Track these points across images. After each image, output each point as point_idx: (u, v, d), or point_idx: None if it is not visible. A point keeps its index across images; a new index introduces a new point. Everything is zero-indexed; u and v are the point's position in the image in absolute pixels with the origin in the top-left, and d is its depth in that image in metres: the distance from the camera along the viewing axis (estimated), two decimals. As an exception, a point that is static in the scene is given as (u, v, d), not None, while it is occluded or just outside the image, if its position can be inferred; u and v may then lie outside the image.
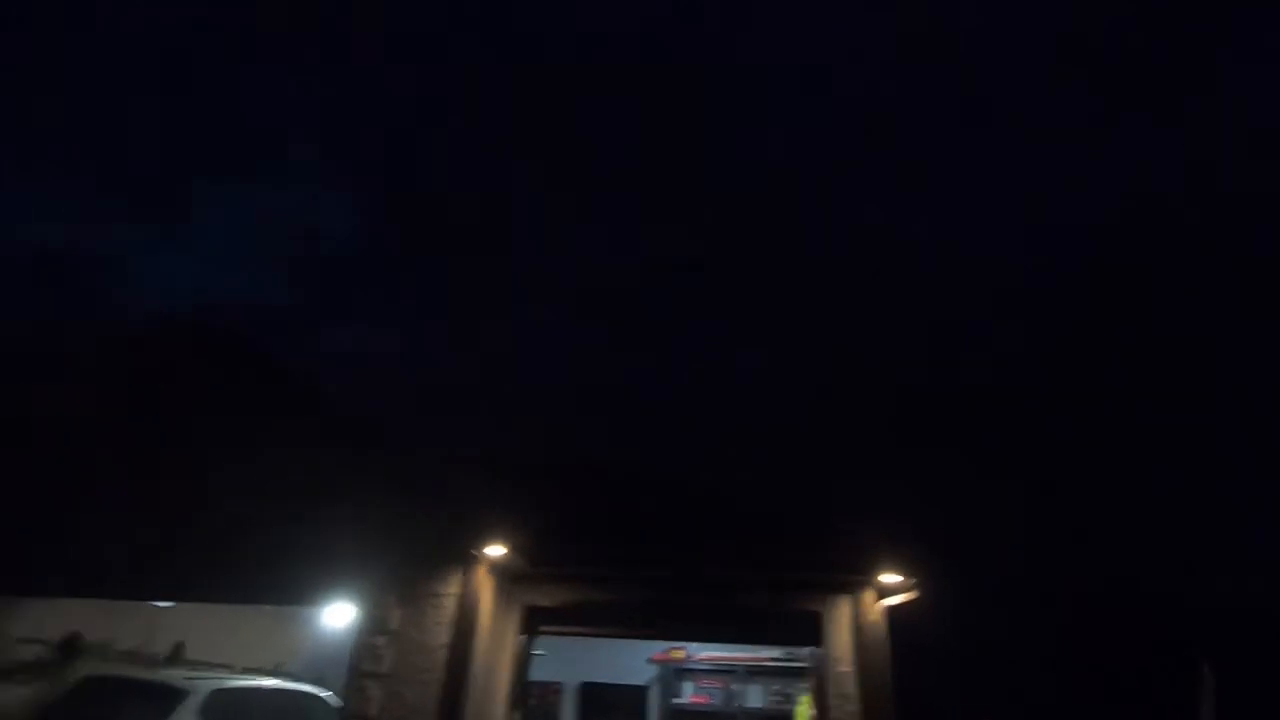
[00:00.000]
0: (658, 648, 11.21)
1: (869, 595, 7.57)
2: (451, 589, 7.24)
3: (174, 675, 7.57)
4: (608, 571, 7.65)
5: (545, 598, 8.03)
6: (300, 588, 7.27)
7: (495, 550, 7.13)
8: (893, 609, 7.59)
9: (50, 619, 8.41)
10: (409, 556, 7.33)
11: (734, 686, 11.06)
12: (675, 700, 11.06)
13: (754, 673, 11.00)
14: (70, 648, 8.35)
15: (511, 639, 7.98)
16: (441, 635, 7.03)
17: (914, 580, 7.31)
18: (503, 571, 7.72)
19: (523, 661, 8.15)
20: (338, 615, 8.43)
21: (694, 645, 11.16)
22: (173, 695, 7.06)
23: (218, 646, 9.25)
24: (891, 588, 7.42)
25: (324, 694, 8.91)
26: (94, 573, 7.54)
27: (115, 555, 7.45)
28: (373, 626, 7.10)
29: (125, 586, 7.71)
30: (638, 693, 11.20)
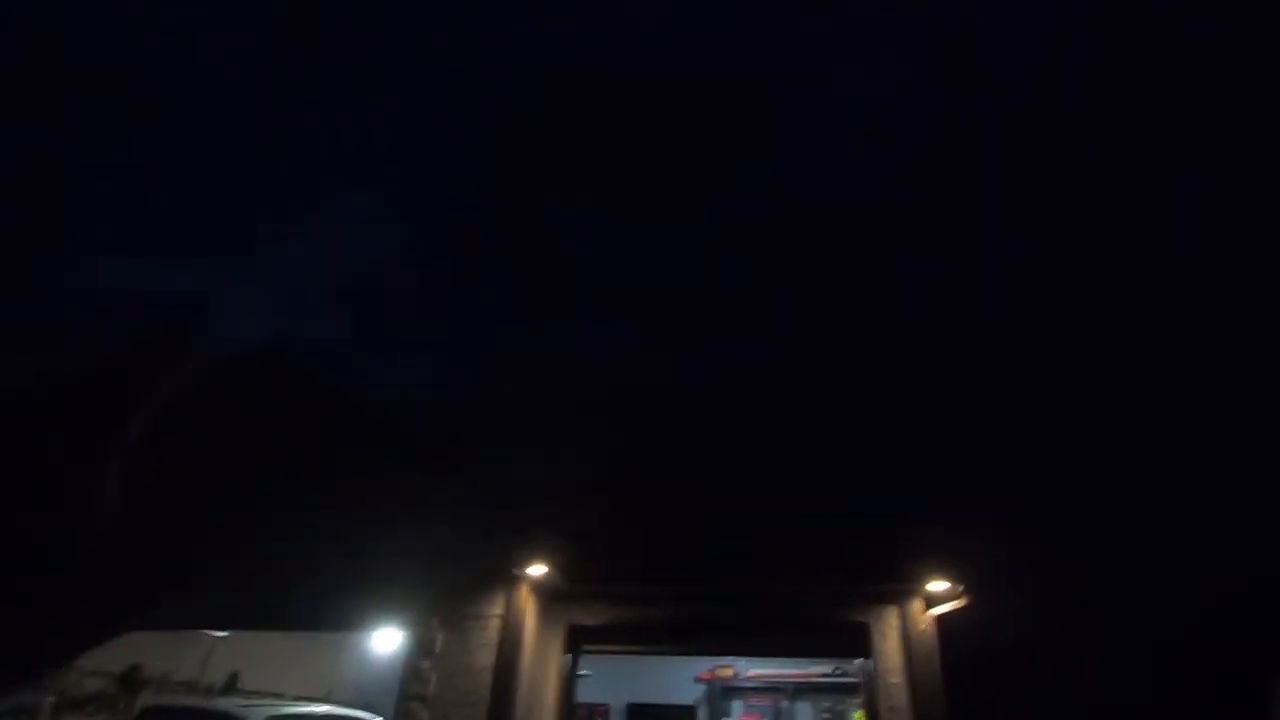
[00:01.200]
0: (704, 666, 11.08)
1: (917, 604, 7.42)
2: (495, 610, 7.29)
3: (231, 704, 7.74)
4: (649, 589, 7.63)
5: (589, 616, 8.03)
6: (348, 615, 7.40)
7: (537, 570, 7.17)
8: (942, 618, 7.42)
9: (112, 651, 8.68)
10: (452, 579, 7.42)
11: (784, 704, 10.86)
12: (725, 719, 10.90)
13: (803, 689, 10.79)
14: (131, 680, 8.61)
15: (556, 659, 7.99)
16: (486, 657, 7.07)
17: (962, 588, 7.15)
18: (546, 591, 7.75)
19: (568, 682, 8.14)
20: (385, 641, 8.55)
21: (742, 663, 11.00)
22: (230, 723, 7.24)
23: (270, 675, 9.43)
24: (940, 596, 7.26)
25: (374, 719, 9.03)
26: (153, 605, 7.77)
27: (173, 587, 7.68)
28: (418, 650, 7.19)
29: (182, 617, 7.93)
30: (686, 712, 11.07)
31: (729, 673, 11.00)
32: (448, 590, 7.38)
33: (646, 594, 7.70)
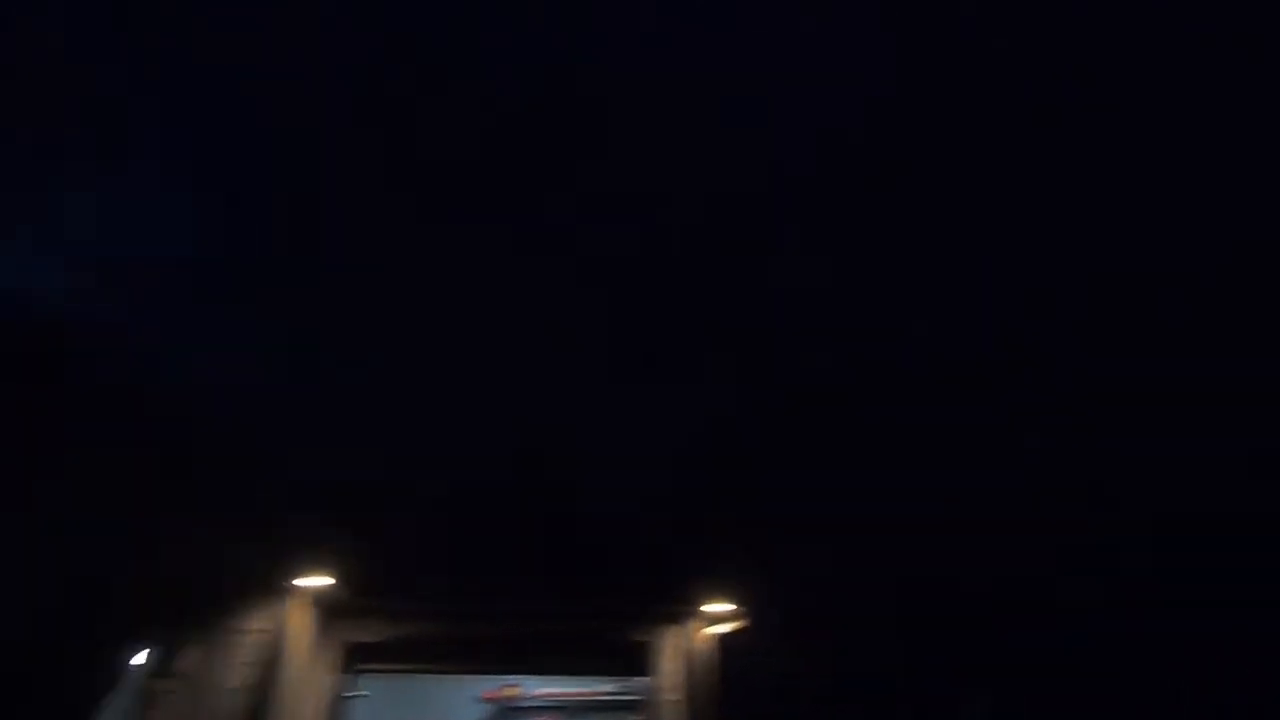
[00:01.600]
0: (490, 685, 10.85)
1: (696, 624, 7.77)
2: (260, 624, 6.65)
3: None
4: (430, 604, 7.35)
5: (367, 633, 7.55)
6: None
7: (311, 581, 6.64)
8: (722, 637, 7.83)
9: None
10: (206, 588, 6.65)
11: (565, 722, 10.90)
12: (508, 740, 10.72)
13: (588, 708, 10.89)
14: None
15: (330, 679, 7.42)
16: (243, 676, 6.41)
17: (741, 609, 7.61)
18: (320, 604, 7.19)
19: (339, 704, 7.58)
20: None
21: (530, 682, 10.91)
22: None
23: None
24: (719, 616, 7.67)
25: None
26: None
27: None
28: (155, 668, 6.35)
29: None
30: (468, 734, 10.73)
31: (516, 692, 10.85)
32: (200, 601, 6.60)
33: (428, 609, 7.40)
